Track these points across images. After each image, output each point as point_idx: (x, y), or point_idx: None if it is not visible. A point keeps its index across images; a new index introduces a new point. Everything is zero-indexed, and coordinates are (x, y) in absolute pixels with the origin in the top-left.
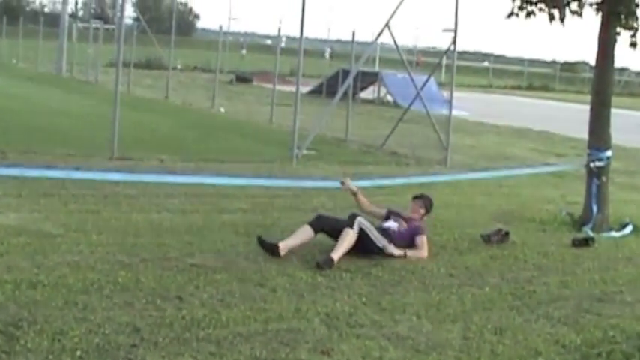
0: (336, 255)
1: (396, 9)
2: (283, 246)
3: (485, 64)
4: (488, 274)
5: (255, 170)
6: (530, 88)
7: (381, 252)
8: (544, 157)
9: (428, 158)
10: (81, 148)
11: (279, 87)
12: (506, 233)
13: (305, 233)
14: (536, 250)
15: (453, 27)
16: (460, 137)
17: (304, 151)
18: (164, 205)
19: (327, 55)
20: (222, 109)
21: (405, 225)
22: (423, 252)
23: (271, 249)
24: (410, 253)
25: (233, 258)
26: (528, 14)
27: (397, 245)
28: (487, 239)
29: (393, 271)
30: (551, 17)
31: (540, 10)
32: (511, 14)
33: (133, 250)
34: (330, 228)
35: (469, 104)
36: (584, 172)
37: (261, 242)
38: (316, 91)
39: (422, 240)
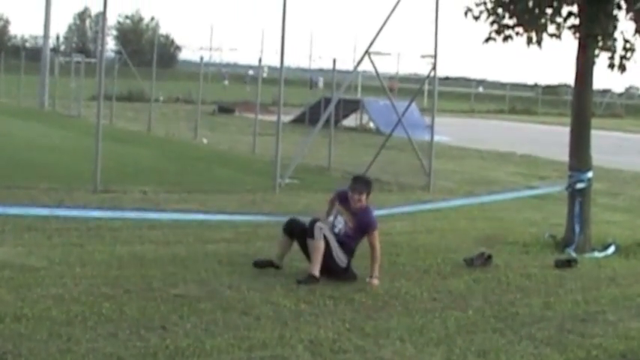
0: (314, 269)
1: (376, 36)
2: (276, 259)
3: (480, 89)
4: (471, 298)
5: (238, 200)
6: (512, 111)
7: (345, 272)
8: (527, 180)
9: (411, 184)
10: (64, 182)
11: (261, 117)
12: (489, 256)
13: (284, 241)
14: (519, 272)
15: (432, 52)
16: (443, 163)
17: (287, 180)
18: (147, 236)
19: (321, 85)
20: (204, 140)
21: (350, 223)
22: (378, 250)
23: (270, 264)
24: (374, 280)
25: (217, 287)
26: (506, 38)
27: (347, 247)
28: (470, 263)
29: (377, 296)
30: (529, 40)
31: (517, 33)
32: (488, 39)
33: (117, 281)
34: (298, 232)
35: (451, 129)
36: (567, 194)
37: (258, 263)
38: (299, 120)
39: (375, 236)
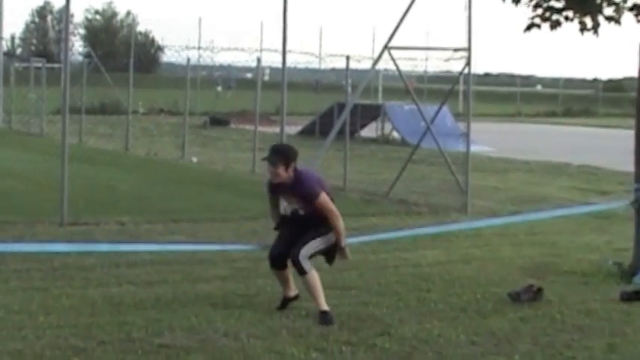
0: (322, 304)
1: (397, 27)
2: (290, 292)
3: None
4: (518, 340)
5: (235, 230)
6: (567, 113)
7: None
8: (586, 196)
9: (444, 205)
10: (24, 214)
11: (262, 129)
12: (539, 290)
13: (281, 276)
14: (577, 308)
15: (466, 45)
16: (482, 178)
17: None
18: (125, 276)
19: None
20: (194, 159)
21: (296, 204)
22: (335, 217)
23: (289, 300)
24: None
25: (210, 336)
26: (553, 25)
27: (314, 213)
28: (516, 298)
29: (403, 340)
30: (583, 26)
31: (567, 18)
32: (531, 26)
33: (89, 331)
34: (284, 262)
35: (493, 137)
36: (634, 212)
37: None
38: (308, 131)
39: (321, 203)
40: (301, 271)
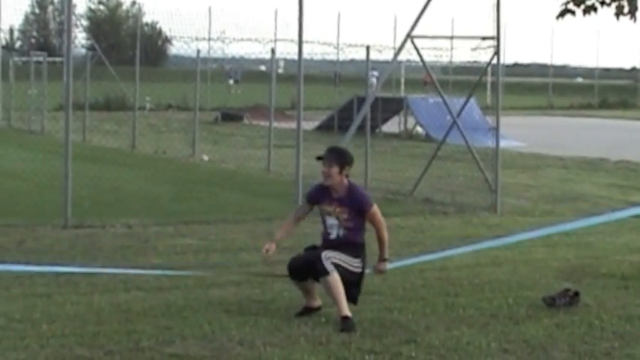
0: (344, 311)
1: (420, 15)
2: (313, 302)
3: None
4: (553, 348)
5: (249, 231)
6: (603, 106)
7: (353, 276)
8: (625, 193)
9: (472, 204)
10: (26, 217)
11: (277, 124)
12: (576, 294)
13: (304, 287)
14: (617, 313)
15: (494, 33)
16: (513, 175)
17: None
18: (134, 281)
19: (374, 81)
20: (205, 157)
21: (344, 215)
22: (384, 229)
23: (309, 310)
24: (381, 265)
25: (224, 344)
26: (587, 10)
27: (361, 238)
28: (551, 303)
29: (430, 349)
30: (619, 11)
31: (603, 3)
32: (564, 12)
33: (96, 340)
34: (306, 270)
35: (523, 132)
36: None
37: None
38: (326, 127)
39: (373, 215)
40: (322, 271)
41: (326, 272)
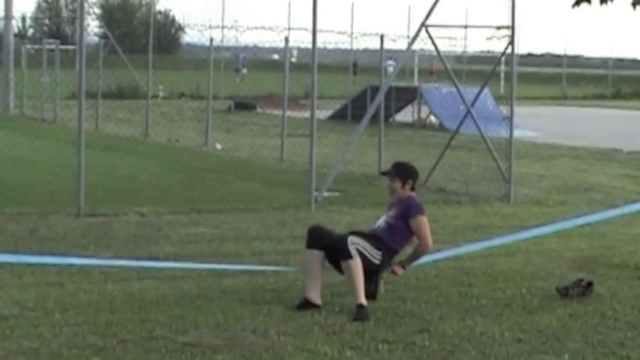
0: (360, 298)
1: (435, 4)
2: (315, 297)
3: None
4: (567, 338)
5: (263, 221)
6: (617, 96)
7: (371, 267)
8: (638, 184)
9: (485, 194)
10: (39, 205)
11: (290, 113)
12: (589, 284)
13: (315, 264)
14: (630, 303)
15: (509, 23)
16: (527, 165)
17: (325, 194)
18: (147, 270)
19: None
20: (218, 146)
21: (392, 213)
22: (424, 244)
23: (308, 304)
24: (398, 268)
25: (238, 333)
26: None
27: (395, 242)
28: (565, 293)
29: (444, 338)
30: (637, 0)
31: None
32: (580, 1)
33: (109, 329)
34: (327, 243)
35: (537, 122)
36: None
37: (300, 306)
38: (340, 116)
39: (418, 222)
40: (347, 255)
41: (350, 256)
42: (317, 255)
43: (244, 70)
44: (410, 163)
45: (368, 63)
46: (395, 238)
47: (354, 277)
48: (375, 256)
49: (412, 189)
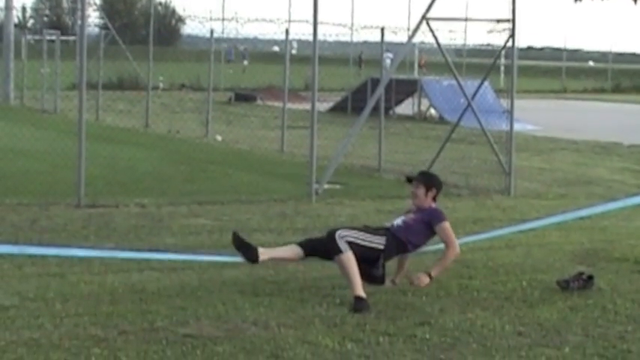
0: (358, 291)
1: None
2: (263, 252)
3: (590, 63)
4: (567, 331)
5: (263, 213)
6: (617, 90)
7: (373, 253)
8: (638, 177)
9: (485, 187)
10: (39, 196)
11: (291, 105)
12: (590, 277)
13: (293, 251)
14: (630, 297)
15: (509, 16)
16: (527, 158)
17: (326, 186)
18: (147, 261)
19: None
20: (218, 137)
21: (412, 215)
22: (452, 249)
23: (248, 252)
24: (423, 277)
25: (238, 325)
26: None
27: (406, 238)
28: (565, 286)
29: (444, 331)
30: None
31: None
32: None
33: (110, 320)
34: (321, 250)
35: (537, 115)
36: None
37: (237, 240)
38: (340, 108)
39: (443, 229)
40: (335, 250)
41: (339, 251)
42: (297, 251)
43: (245, 62)
44: (435, 174)
45: (369, 56)
46: (408, 235)
47: (348, 271)
48: (376, 241)
49: (434, 199)
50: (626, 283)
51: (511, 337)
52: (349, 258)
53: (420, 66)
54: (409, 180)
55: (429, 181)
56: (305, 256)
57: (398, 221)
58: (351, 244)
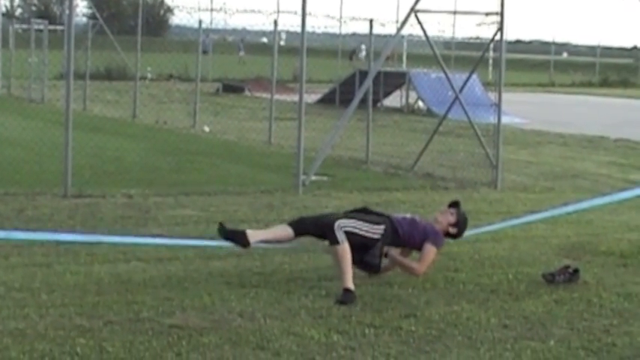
0: (348, 283)
1: None
2: (252, 234)
3: (565, 55)
4: (552, 324)
5: (250, 204)
6: (604, 84)
7: (369, 241)
8: (625, 172)
9: (472, 180)
10: (26, 185)
11: (278, 97)
12: (576, 271)
13: (283, 231)
14: (615, 290)
15: (498, 9)
16: (514, 151)
17: (313, 177)
18: (134, 252)
19: (363, 55)
20: (206, 128)
21: (423, 221)
22: (417, 269)
23: (237, 238)
24: (404, 260)
25: (224, 316)
26: None
27: (405, 233)
28: (551, 279)
29: (430, 323)
30: None
31: None
32: None
33: (95, 311)
34: (313, 231)
35: (525, 108)
36: None
37: (224, 230)
38: (328, 100)
39: (429, 250)
40: (333, 240)
41: (336, 242)
42: (287, 232)
43: (241, 53)
44: (466, 218)
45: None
46: (410, 232)
47: (342, 263)
48: (374, 230)
49: (448, 234)
50: (611, 277)
51: (496, 329)
52: (345, 250)
53: (388, 57)
54: (455, 204)
55: (462, 223)
56: (295, 237)
57: (406, 215)
58: (348, 233)
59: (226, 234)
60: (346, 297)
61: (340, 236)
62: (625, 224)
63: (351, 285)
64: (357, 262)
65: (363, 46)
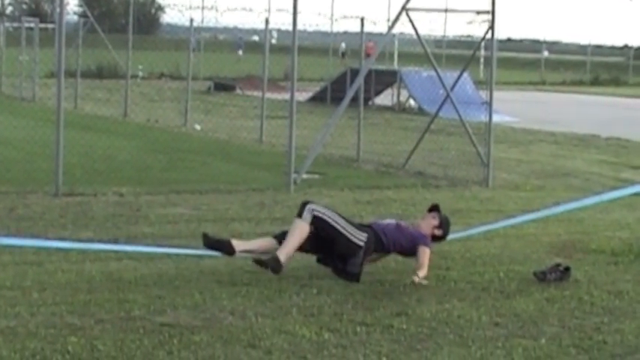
0: (281, 253)
1: None
2: (237, 243)
3: (545, 54)
4: (544, 322)
5: (242, 202)
6: (595, 82)
7: (350, 247)
8: (616, 170)
9: (464, 178)
10: (16, 184)
11: (270, 95)
12: (567, 269)
13: (268, 242)
14: (606, 288)
15: (489, 8)
16: (505, 150)
17: (304, 176)
18: (125, 250)
19: (341, 53)
20: (197, 127)
21: (409, 227)
22: (422, 271)
23: (223, 247)
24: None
25: (215, 314)
26: None
27: (390, 242)
28: (542, 277)
29: (421, 321)
30: None
31: None
32: None
33: (87, 309)
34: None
35: (516, 107)
36: None
37: (208, 240)
38: (319, 98)
39: (424, 252)
40: (298, 213)
41: (299, 216)
42: (271, 243)
43: (240, 52)
44: (449, 223)
45: (348, 46)
46: (397, 238)
47: (292, 237)
48: (357, 236)
49: (433, 237)
50: (602, 275)
51: (488, 327)
52: (302, 228)
53: (367, 55)
54: (435, 207)
55: (446, 222)
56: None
57: (390, 221)
58: (318, 219)
59: (211, 244)
60: (273, 264)
61: (306, 215)
62: (616, 222)
63: (283, 257)
64: (339, 270)
65: (343, 45)
